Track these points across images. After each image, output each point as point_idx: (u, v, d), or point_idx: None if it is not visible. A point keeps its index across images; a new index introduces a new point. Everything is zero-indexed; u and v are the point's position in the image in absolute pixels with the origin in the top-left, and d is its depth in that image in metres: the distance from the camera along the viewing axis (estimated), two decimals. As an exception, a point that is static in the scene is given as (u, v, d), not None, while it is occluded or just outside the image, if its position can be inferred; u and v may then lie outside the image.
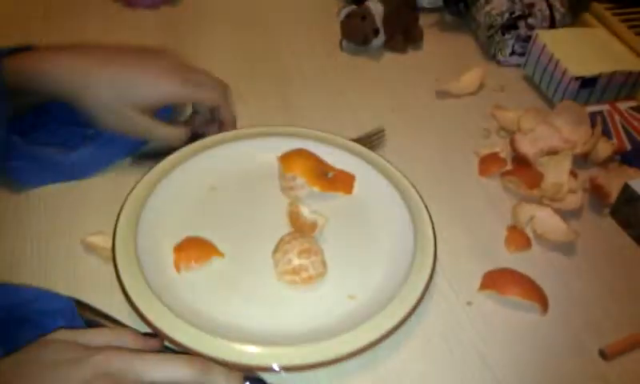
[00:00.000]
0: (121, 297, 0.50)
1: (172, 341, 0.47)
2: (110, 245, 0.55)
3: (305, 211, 0.57)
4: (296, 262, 0.53)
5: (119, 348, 0.43)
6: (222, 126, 0.67)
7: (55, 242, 0.57)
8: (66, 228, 0.58)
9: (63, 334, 0.43)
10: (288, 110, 0.74)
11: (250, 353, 0.46)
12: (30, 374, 0.39)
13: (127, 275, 0.51)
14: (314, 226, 0.56)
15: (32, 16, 0.87)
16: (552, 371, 0.51)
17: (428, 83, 0.81)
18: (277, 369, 0.46)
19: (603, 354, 0.51)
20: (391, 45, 0.85)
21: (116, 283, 0.51)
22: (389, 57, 0.85)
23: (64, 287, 0.52)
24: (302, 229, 0.57)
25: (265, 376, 0.46)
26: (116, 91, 0.59)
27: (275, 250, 0.55)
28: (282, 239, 0.55)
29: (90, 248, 0.56)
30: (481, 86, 0.80)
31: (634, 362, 0.51)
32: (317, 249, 0.54)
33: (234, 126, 0.67)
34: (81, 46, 0.67)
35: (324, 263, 0.55)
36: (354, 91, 0.79)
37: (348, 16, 0.83)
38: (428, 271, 0.53)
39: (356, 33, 0.83)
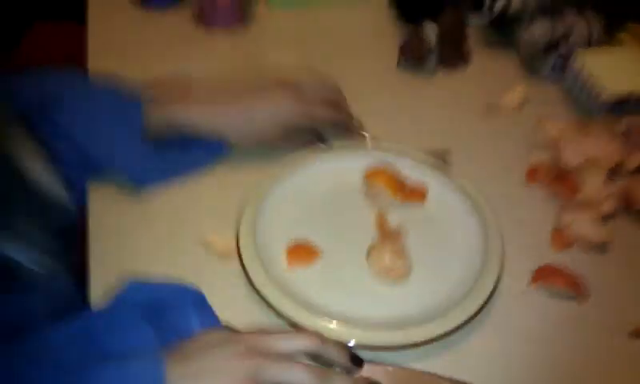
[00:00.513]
0: (239, 290, 0.64)
1: (290, 320, 0.60)
2: (226, 244, 0.68)
3: (390, 220, 0.70)
4: (387, 262, 0.65)
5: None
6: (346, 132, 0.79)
7: (176, 242, 0.70)
8: (185, 228, 0.71)
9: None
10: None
11: (340, 331, 0.59)
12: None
13: (253, 271, 0.64)
14: (397, 234, 0.69)
15: (111, 47, 0.98)
16: (590, 350, 0.63)
17: (477, 98, 0.92)
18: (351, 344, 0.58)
19: (636, 333, 0.63)
20: (444, 63, 0.96)
21: (233, 278, 0.65)
22: (442, 74, 0.96)
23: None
24: (386, 235, 0.69)
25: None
26: (248, 128, 0.73)
27: (369, 252, 0.67)
28: (373, 244, 0.67)
29: (208, 247, 0.69)
30: (525, 101, 0.91)
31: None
32: (404, 252, 0.67)
33: (356, 126, 0.79)
34: (209, 89, 0.77)
35: (410, 266, 0.66)
36: (410, 106, 0.91)
37: (406, 37, 0.94)
38: (497, 271, 0.65)
39: (414, 53, 0.94)
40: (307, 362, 0.54)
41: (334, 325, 0.60)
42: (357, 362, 0.56)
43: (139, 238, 0.71)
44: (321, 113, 0.77)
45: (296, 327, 0.60)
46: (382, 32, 1.04)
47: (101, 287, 0.63)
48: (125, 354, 0.52)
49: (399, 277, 0.66)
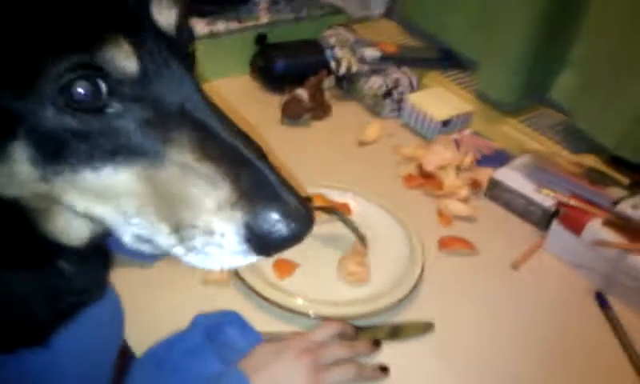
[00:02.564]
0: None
1: (290, 309, 0.80)
2: (220, 276, 0.84)
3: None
4: (353, 268, 0.87)
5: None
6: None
7: (177, 285, 0.84)
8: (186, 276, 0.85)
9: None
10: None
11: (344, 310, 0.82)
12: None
13: (255, 284, 0.82)
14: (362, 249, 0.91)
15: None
16: (487, 282, 0.92)
17: (346, 137, 1.20)
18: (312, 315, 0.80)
19: (514, 266, 0.95)
20: (314, 116, 1.23)
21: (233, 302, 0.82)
22: (315, 124, 1.23)
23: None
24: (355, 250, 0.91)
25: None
26: None
27: (339, 261, 0.89)
28: (343, 256, 0.89)
29: (208, 283, 0.84)
30: (380, 134, 1.22)
31: (534, 263, 0.96)
32: (365, 263, 0.88)
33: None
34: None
35: (368, 273, 0.87)
36: (300, 150, 1.15)
37: (287, 101, 1.19)
38: (421, 249, 0.92)
39: (295, 112, 1.19)
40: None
41: (300, 301, 0.81)
42: (357, 330, 0.79)
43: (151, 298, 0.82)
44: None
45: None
46: (261, 99, 1.28)
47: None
48: (201, 374, 0.65)
49: (361, 280, 0.87)
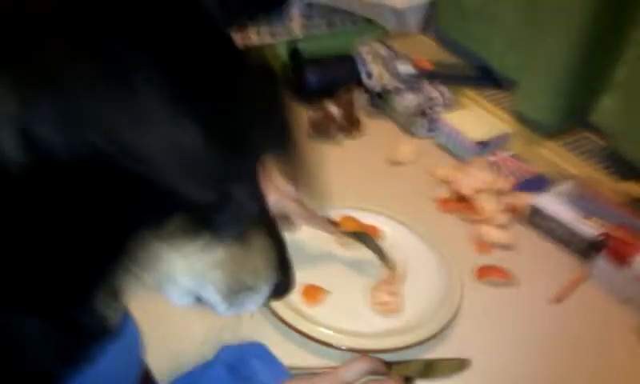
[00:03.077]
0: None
1: (318, 340, 0.75)
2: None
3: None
4: (385, 298, 0.83)
5: None
6: None
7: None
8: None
9: None
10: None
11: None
12: None
13: (282, 312, 0.77)
14: (396, 277, 0.86)
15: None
16: (527, 317, 0.87)
17: (377, 156, 1.15)
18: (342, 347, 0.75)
19: (557, 299, 0.89)
20: (344, 131, 1.19)
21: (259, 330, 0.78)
22: (346, 142, 1.19)
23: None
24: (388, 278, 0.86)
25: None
26: None
27: (371, 290, 0.84)
28: (375, 285, 0.85)
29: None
30: (411, 153, 1.18)
31: (577, 296, 0.90)
32: (398, 293, 0.84)
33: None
34: None
35: (401, 304, 0.83)
36: (328, 169, 1.10)
37: (317, 117, 1.15)
38: (459, 280, 0.87)
39: (324, 129, 1.15)
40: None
41: (328, 331, 0.77)
42: (390, 366, 0.72)
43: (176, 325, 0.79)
44: None
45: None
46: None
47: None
48: None
49: (392, 311, 0.83)
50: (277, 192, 0.86)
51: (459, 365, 0.77)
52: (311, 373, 0.70)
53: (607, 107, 1.06)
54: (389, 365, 0.73)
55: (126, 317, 0.60)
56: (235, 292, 0.53)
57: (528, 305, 0.89)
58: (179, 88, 0.38)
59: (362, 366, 0.69)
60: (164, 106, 0.37)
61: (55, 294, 0.41)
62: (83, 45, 0.35)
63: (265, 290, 0.55)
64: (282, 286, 0.57)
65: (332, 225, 0.89)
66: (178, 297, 0.52)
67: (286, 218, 0.88)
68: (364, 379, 0.70)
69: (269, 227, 0.54)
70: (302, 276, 0.84)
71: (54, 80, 0.35)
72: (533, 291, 0.91)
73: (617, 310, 0.89)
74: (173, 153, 0.38)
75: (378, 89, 1.23)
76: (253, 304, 0.54)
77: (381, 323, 0.81)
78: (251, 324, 0.79)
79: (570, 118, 1.15)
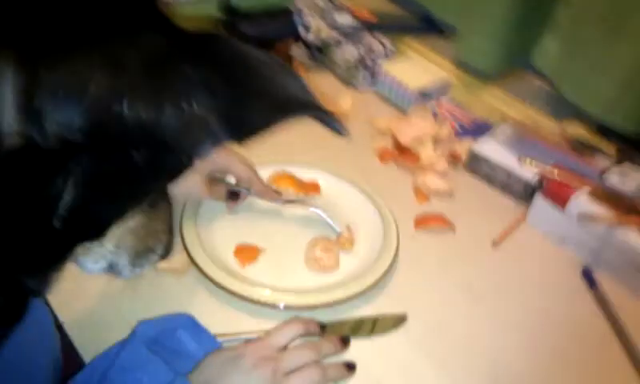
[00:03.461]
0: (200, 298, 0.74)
1: (249, 299, 0.73)
2: (175, 266, 0.77)
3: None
4: (318, 254, 0.80)
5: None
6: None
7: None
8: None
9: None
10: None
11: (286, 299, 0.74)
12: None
13: (211, 271, 0.75)
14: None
15: None
16: (467, 260, 0.86)
17: (317, 111, 1.12)
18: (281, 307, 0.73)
19: (494, 244, 0.89)
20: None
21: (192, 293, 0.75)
22: (284, 97, 1.15)
23: (161, 307, 0.73)
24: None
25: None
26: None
27: (307, 246, 0.82)
28: (311, 241, 0.82)
29: (164, 272, 0.77)
30: (353, 106, 1.15)
31: (516, 239, 0.90)
32: (333, 249, 0.81)
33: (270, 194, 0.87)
34: None
35: (337, 260, 0.80)
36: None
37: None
38: (395, 229, 0.85)
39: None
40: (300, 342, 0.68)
41: (268, 292, 0.74)
42: (324, 327, 0.71)
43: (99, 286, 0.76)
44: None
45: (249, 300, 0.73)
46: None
47: (88, 345, 0.67)
48: None
49: (326, 267, 0.80)
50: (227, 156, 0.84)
51: (395, 321, 0.75)
52: (241, 339, 0.68)
53: (548, 49, 1.04)
54: (323, 326, 0.71)
55: (36, 302, 0.57)
56: (139, 255, 0.57)
57: (467, 251, 0.88)
58: None
59: (293, 329, 0.67)
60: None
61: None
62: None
63: (159, 250, 0.60)
64: (168, 247, 0.62)
65: (277, 193, 0.87)
66: (92, 265, 0.55)
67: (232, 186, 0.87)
68: (298, 341, 0.68)
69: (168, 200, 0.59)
70: (236, 235, 0.83)
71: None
72: (472, 237, 0.90)
73: (557, 252, 0.89)
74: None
75: (316, 42, 1.20)
76: (149, 265, 0.59)
77: (317, 280, 0.79)
78: (184, 287, 0.76)
79: (511, 63, 1.13)
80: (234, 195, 0.85)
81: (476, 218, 0.93)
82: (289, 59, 1.15)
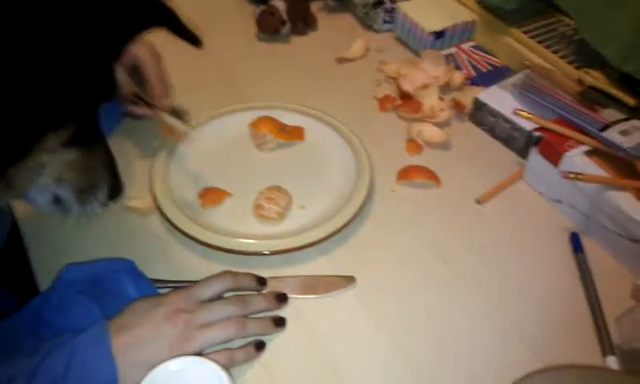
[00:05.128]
0: (165, 239, 0.75)
1: (207, 244, 0.72)
2: (143, 205, 0.79)
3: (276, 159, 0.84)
4: (262, 202, 0.78)
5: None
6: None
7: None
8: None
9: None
10: (232, 91, 0.99)
11: (249, 243, 0.73)
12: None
13: (173, 216, 0.75)
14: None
15: None
16: (448, 218, 0.81)
17: (327, 54, 1.08)
18: (266, 253, 0.72)
19: (478, 201, 0.82)
20: (295, 30, 1.12)
21: (153, 231, 0.76)
22: (295, 40, 1.12)
23: (121, 242, 0.76)
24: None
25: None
26: None
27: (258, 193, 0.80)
28: (262, 189, 0.80)
29: (130, 210, 0.79)
30: (366, 50, 1.09)
31: (500, 200, 0.83)
32: (279, 199, 0.78)
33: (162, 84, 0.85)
34: None
35: (279, 213, 0.77)
36: (274, 69, 1.05)
37: (261, 14, 1.09)
38: (368, 177, 0.81)
39: (269, 26, 1.09)
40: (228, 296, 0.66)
41: (256, 242, 0.73)
42: (262, 281, 0.70)
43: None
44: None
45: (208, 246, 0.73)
46: (239, 11, 1.18)
47: (46, 270, 0.70)
48: (74, 330, 0.58)
49: (261, 217, 0.78)
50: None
51: (341, 282, 0.72)
52: (175, 287, 0.68)
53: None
54: (262, 280, 0.70)
55: None
56: (84, 191, 0.60)
57: (449, 208, 0.82)
58: None
59: (220, 282, 0.66)
60: None
61: None
62: None
63: (104, 189, 0.62)
64: (116, 188, 0.64)
65: (152, 107, 0.85)
66: (39, 196, 0.59)
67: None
68: (230, 294, 0.67)
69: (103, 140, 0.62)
70: (208, 178, 0.83)
71: None
72: (459, 194, 0.84)
73: (549, 213, 0.82)
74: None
75: (333, -20, 1.15)
76: (97, 203, 0.62)
77: (261, 228, 0.78)
78: (148, 227, 0.78)
79: (534, 1, 1.02)
80: (134, 99, 0.86)
81: (469, 173, 0.87)
82: (304, 1, 1.11)
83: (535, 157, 0.82)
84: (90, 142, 0.59)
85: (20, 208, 0.78)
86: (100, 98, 0.55)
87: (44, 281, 0.70)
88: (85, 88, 0.52)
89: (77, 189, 0.60)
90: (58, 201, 0.60)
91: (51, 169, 0.56)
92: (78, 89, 0.51)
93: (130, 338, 0.58)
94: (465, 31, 1.08)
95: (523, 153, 0.87)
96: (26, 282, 0.73)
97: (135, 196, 0.80)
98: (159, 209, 0.77)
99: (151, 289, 0.67)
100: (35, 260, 0.73)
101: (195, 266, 0.73)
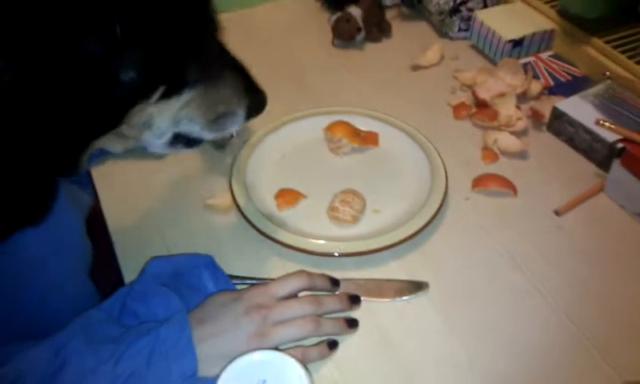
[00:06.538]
0: (243, 237, 0.77)
1: (282, 243, 0.74)
2: (222, 203, 0.81)
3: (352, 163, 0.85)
4: (337, 204, 0.79)
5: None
6: None
7: (184, 208, 0.82)
8: (188, 198, 0.84)
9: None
10: (307, 96, 1.01)
11: (322, 245, 0.74)
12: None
13: (252, 215, 0.77)
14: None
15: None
16: (524, 228, 0.79)
17: (402, 61, 1.08)
18: (336, 254, 0.73)
19: (557, 212, 0.81)
20: (370, 37, 1.13)
21: (232, 229, 0.78)
22: (369, 46, 1.13)
23: (200, 238, 0.78)
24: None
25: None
26: None
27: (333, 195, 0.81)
28: (337, 193, 0.81)
29: (210, 208, 0.82)
30: (441, 58, 1.09)
31: (580, 212, 0.81)
32: (354, 203, 0.79)
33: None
34: None
35: (354, 216, 0.78)
36: (349, 75, 1.06)
37: (337, 20, 1.10)
38: (443, 185, 0.81)
39: (344, 33, 1.10)
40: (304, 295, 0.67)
41: (322, 242, 0.75)
42: (335, 283, 0.70)
43: (152, 214, 0.82)
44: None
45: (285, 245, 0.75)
46: (313, 19, 1.20)
47: (131, 264, 0.73)
48: (157, 320, 0.60)
49: (337, 219, 0.78)
50: None
51: (414, 287, 0.72)
52: (252, 284, 0.70)
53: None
54: (336, 282, 0.71)
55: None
56: (213, 120, 0.62)
57: (525, 219, 0.81)
58: None
59: (296, 281, 0.67)
60: None
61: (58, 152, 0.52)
62: None
63: (241, 111, 0.65)
64: (257, 104, 0.67)
65: None
66: (156, 139, 0.60)
67: None
68: (303, 293, 0.68)
69: (229, 62, 0.63)
70: (284, 180, 0.85)
71: None
72: (535, 204, 0.82)
73: (630, 230, 0.79)
74: None
75: (408, -12, 1.15)
76: (233, 125, 0.65)
77: (335, 230, 0.78)
78: (227, 223, 0.80)
79: (616, 10, 0.99)
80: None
81: (547, 184, 0.85)
82: (375, 6, 1.12)
83: (618, 169, 0.79)
84: (206, 76, 0.59)
85: (105, 203, 0.82)
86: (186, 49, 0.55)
87: (128, 274, 0.73)
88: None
89: (203, 121, 0.62)
90: (181, 137, 0.62)
91: (162, 116, 0.58)
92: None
93: (209, 329, 0.60)
94: (543, 40, 1.07)
95: (604, 165, 0.85)
96: (110, 276, 0.76)
97: (215, 195, 0.83)
98: (237, 207, 0.79)
99: (229, 284, 0.69)
100: (121, 254, 0.76)
101: (271, 264, 0.75)
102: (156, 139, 0.60)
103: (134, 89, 0.51)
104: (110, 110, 0.52)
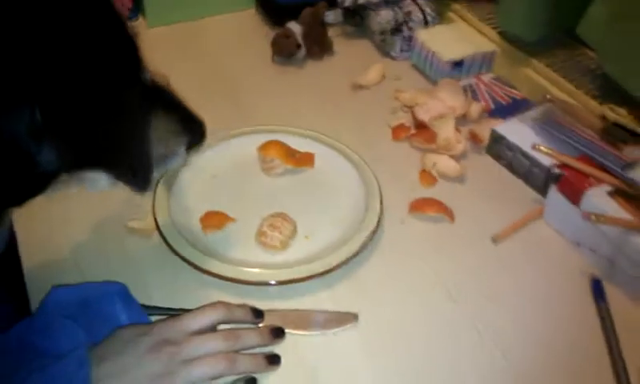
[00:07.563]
0: (164, 262, 0.71)
1: (204, 270, 0.69)
2: (145, 226, 0.76)
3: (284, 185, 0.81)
4: (265, 229, 0.74)
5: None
6: None
7: (102, 233, 0.77)
8: (107, 221, 0.78)
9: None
10: (243, 113, 0.96)
11: (246, 272, 0.70)
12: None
13: (173, 239, 0.72)
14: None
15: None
16: (461, 256, 0.77)
17: (343, 80, 1.05)
18: (273, 282, 0.69)
19: (494, 240, 0.78)
20: (310, 55, 1.09)
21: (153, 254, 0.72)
22: (310, 64, 1.10)
23: (119, 264, 0.72)
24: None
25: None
26: None
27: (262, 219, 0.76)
28: (266, 216, 0.76)
29: (131, 231, 0.76)
30: (382, 77, 1.06)
31: (518, 239, 0.79)
32: (283, 227, 0.74)
33: None
34: None
35: (282, 242, 0.74)
36: (287, 93, 1.03)
37: (276, 36, 1.06)
38: (378, 209, 0.78)
39: (283, 49, 1.06)
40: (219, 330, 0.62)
41: (257, 271, 0.70)
42: (258, 314, 0.66)
43: (68, 237, 0.76)
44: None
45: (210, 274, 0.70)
46: (255, 34, 1.16)
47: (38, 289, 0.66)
48: (59, 354, 0.54)
49: (268, 245, 0.74)
50: None
51: (342, 319, 0.67)
52: (168, 314, 0.65)
53: (594, 17, 0.89)
54: (259, 313, 0.66)
55: None
56: (157, 161, 0.61)
57: (461, 245, 0.78)
58: None
59: (212, 313, 0.62)
60: None
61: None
62: None
63: (181, 149, 0.64)
64: (197, 138, 0.66)
65: None
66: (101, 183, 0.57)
67: None
68: (226, 326, 0.63)
69: (162, 103, 0.61)
70: (212, 202, 0.80)
71: None
72: (472, 230, 0.80)
73: (567, 257, 0.77)
74: None
75: (349, 4, 1.12)
76: (175, 162, 0.65)
77: (263, 256, 0.74)
78: (148, 248, 0.74)
79: (556, 33, 0.99)
80: None
81: (485, 209, 0.83)
82: (317, 23, 1.09)
83: (555, 195, 0.77)
84: (138, 137, 0.56)
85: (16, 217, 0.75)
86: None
87: (35, 298, 0.66)
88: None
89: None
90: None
91: (94, 176, 0.55)
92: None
93: (109, 368, 0.54)
94: (484, 61, 1.05)
95: (543, 190, 0.83)
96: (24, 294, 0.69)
97: (137, 217, 0.77)
98: (159, 230, 0.74)
99: (143, 316, 0.64)
100: (29, 276, 0.70)
101: (193, 293, 0.69)
102: (94, 187, 0.57)
103: (58, 167, 0.49)
104: (33, 182, 0.50)
